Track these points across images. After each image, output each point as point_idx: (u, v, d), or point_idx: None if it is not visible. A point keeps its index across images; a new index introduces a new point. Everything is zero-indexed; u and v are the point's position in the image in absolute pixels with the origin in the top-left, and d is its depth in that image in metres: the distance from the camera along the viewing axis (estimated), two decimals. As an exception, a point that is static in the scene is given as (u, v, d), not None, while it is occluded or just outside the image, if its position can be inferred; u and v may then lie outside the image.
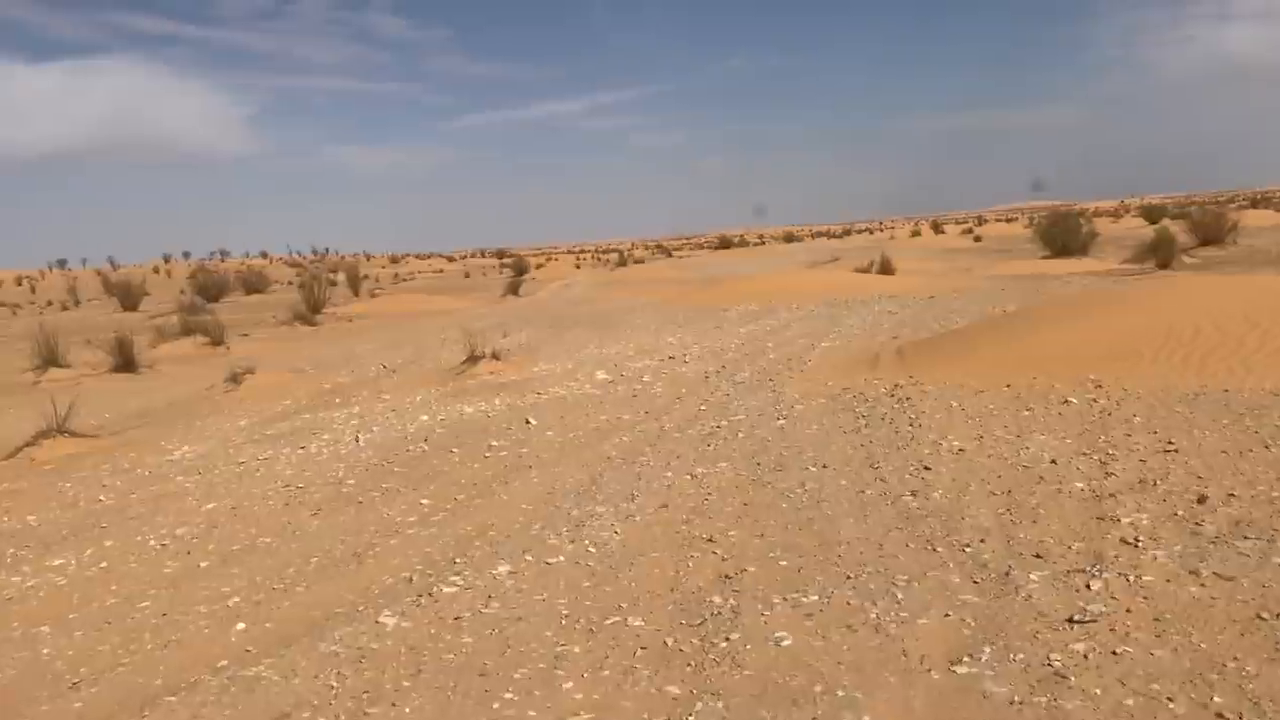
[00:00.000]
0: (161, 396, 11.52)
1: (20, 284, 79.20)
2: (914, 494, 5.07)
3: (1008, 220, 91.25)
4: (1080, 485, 4.95)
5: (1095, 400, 6.81)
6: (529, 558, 4.53)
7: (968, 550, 4.20)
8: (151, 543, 5.32)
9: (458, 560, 4.58)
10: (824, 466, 5.74)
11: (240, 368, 11.70)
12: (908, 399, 7.48)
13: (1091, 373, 7.53)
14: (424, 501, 5.71)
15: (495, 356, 11.60)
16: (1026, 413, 6.69)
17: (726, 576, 4.15)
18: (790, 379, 9.00)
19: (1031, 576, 3.85)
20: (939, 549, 4.25)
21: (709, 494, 5.39)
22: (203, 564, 4.86)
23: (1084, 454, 5.52)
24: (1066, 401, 6.84)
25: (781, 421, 7.13)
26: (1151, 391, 6.83)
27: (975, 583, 3.86)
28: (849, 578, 4.01)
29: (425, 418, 8.46)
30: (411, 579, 4.40)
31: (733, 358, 10.81)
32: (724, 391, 8.64)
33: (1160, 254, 20.71)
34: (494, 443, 7.19)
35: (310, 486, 6.30)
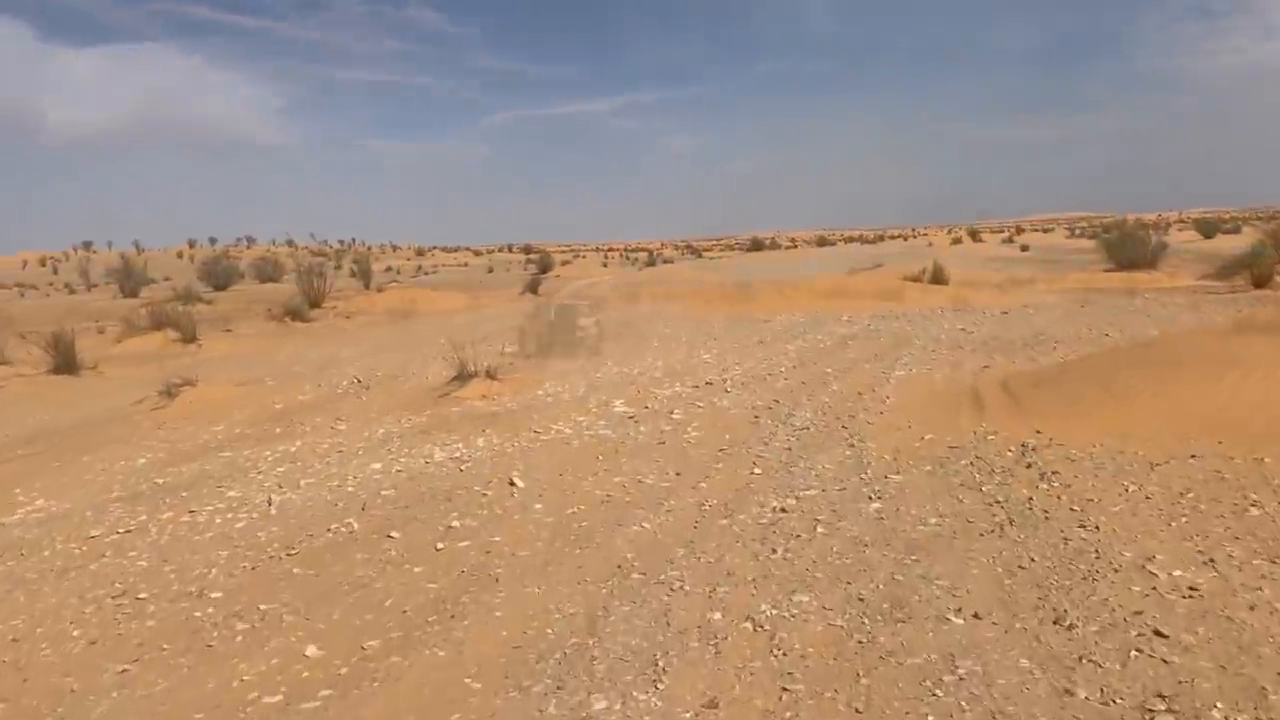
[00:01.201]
0: (79, 411, 9.39)
1: (44, 264, 78.41)
2: (1167, 704, 2.78)
3: (1045, 230, 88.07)
4: None
5: (1352, 493, 4.49)
6: None
7: None
8: None
9: None
10: (975, 616, 3.45)
11: (179, 379, 9.57)
12: (1054, 473, 5.18)
13: (1311, 441, 5.23)
14: (308, 652, 3.44)
15: (491, 375, 9.39)
16: (1254, 510, 4.39)
17: None
18: (869, 425, 6.70)
19: None
20: None
21: (786, 673, 3.11)
22: None
23: None
24: (1307, 493, 4.53)
25: (876, 504, 4.85)
26: None
27: None
28: None
29: (376, 466, 6.23)
30: None
31: (785, 386, 8.52)
32: (782, 442, 6.36)
33: (1257, 270, 18.35)
34: (455, 522, 4.94)
35: (156, 599, 4.05)
